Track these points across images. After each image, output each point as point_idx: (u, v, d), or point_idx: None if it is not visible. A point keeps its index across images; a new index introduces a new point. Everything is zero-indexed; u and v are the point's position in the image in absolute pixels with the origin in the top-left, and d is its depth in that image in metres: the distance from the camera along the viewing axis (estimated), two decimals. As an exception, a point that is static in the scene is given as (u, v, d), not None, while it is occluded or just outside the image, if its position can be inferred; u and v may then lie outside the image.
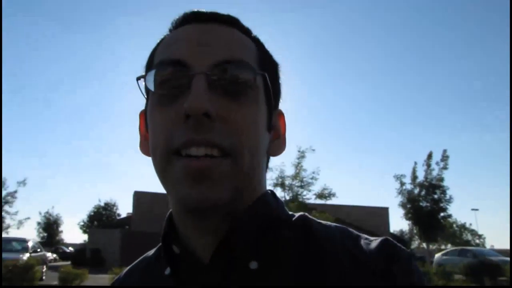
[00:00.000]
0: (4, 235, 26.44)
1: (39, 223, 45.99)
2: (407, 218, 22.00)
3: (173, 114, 0.54)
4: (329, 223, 0.62)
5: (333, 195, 18.47)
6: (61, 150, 76.56)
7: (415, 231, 25.40)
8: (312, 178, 17.69)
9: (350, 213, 32.86)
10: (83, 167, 78.54)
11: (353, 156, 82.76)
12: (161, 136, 0.55)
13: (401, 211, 21.72)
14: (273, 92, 0.62)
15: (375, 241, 0.58)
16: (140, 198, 35.91)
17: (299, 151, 17.34)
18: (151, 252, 0.71)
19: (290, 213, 0.64)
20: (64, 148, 77.48)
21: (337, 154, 77.73)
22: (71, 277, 10.79)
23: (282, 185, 17.00)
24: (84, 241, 42.72)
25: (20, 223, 29.59)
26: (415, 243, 42.56)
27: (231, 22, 0.63)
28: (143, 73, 0.61)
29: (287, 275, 0.54)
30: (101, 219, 40.86)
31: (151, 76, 0.57)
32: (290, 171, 17.49)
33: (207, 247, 0.57)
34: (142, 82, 0.61)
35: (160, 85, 0.57)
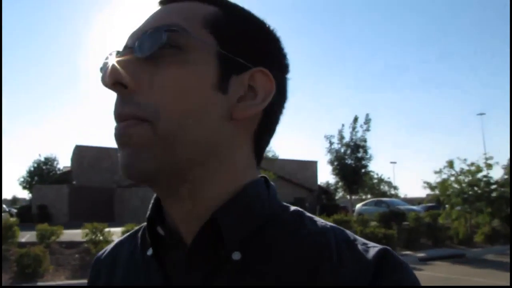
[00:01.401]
0: None
1: None
2: (334, 174, 25.14)
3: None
4: (324, 222, 0.58)
5: (276, 158, 20.86)
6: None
7: (340, 184, 28.87)
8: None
9: (283, 166, 35.04)
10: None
11: (290, 112, 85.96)
12: None
13: (330, 167, 24.77)
14: (240, 51, 0.55)
15: (373, 249, 0.53)
16: (82, 152, 36.36)
17: None
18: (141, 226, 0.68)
19: (284, 204, 0.60)
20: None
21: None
22: (48, 233, 11.63)
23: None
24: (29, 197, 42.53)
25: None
26: (339, 194, 47.06)
27: None
28: None
29: (271, 272, 0.51)
30: (41, 175, 40.65)
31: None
32: None
33: (190, 229, 0.54)
34: None
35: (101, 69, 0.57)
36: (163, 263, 0.57)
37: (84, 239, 11.48)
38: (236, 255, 0.52)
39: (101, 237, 11.54)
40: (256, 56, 0.57)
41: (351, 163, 24.17)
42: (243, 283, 0.51)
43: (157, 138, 0.50)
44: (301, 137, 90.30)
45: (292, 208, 0.60)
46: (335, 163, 24.46)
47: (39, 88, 79.00)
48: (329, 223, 0.58)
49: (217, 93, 0.53)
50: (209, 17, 0.56)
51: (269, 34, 0.61)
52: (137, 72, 0.52)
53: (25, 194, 46.93)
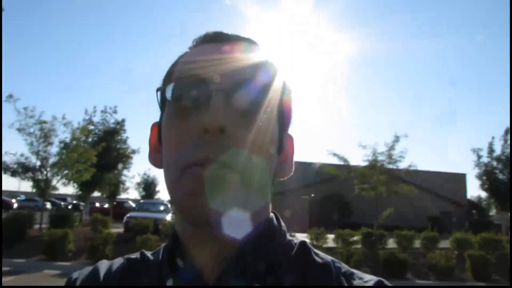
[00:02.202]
0: (124, 196, 31.64)
1: (138, 184, 51.33)
2: (484, 189, 23.82)
3: (189, 128, 0.55)
4: (325, 255, 0.62)
5: (418, 173, 20.90)
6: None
7: (491, 200, 27.08)
8: (400, 157, 20.06)
9: (427, 178, 33.30)
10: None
11: (430, 122, 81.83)
12: (177, 149, 0.56)
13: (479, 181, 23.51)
14: (286, 115, 0.63)
15: (370, 282, 0.57)
16: None
17: (395, 136, 19.63)
18: (135, 255, 0.70)
19: (289, 238, 0.64)
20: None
21: (413, 120, 77.40)
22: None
23: (375, 162, 19.50)
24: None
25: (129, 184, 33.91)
26: (492, 211, 43.40)
27: (251, 44, 0.64)
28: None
29: None
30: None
31: (170, 88, 0.58)
32: (381, 149, 19.89)
33: (211, 265, 0.57)
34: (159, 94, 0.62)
35: (178, 99, 0.57)
36: None
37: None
38: None
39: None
40: (290, 121, 0.65)
41: (503, 178, 22.73)
42: None
43: (247, 188, 0.54)
44: (447, 149, 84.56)
45: (297, 240, 0.64)
46: (484, 178, 23.24)
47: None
48: (330, 257, 0.62)
49: (275, 153, 0.60)
50: (273, 77, 0.60)
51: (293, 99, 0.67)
52: (235, 120, 0.54)
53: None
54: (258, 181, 0.56)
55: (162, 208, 18.99)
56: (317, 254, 0.61)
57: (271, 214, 0.64)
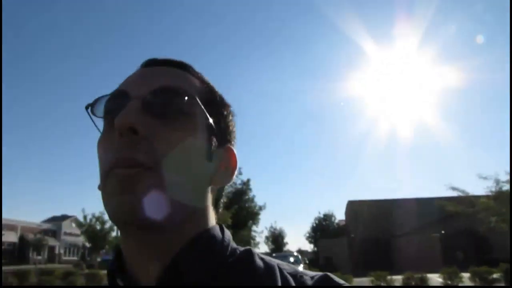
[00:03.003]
0: (256, 250, 33.30)
1: (267, 237, 52.98)
2: None
3: (112, 136, 0.57)
4: (271, 259, 0.63)
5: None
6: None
7: None
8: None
9: None
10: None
11: None
12: (102, 158, 0.58)
13: None
14: (220, 128, 0.65)
15: (316, 277, 0.59)
16: (354, 206, 39.73)
17: None
18: None
19: (235, 246, 0.63)
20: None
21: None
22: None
23: (500, 192, 18.69)
24: (312, 249, 49.24)
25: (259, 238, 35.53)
26: None
27: (182, 66, 0.67)
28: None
29: None
30: (322, 229, 46.55)
31: (99, 105, 0.61)
32: (504, 177, 19.06)
33: (152, 277, 0.56)
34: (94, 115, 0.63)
35: (104, 114, 0.60)
36: None
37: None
38: None
39: (383, 284, 13.49)
40: (229, 135, 0.68)
41: None
42: None
43: (160, 187, 0.54)
44: None
45: (242, 248, 0.63)
46: None
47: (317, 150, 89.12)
48: (277, 260, 0.62)
49: (205, 160, 0.61)
50: (202, 91, 0.64)
51: (233, 115, 0.71)
52: (149, 122, 0.56)
53: (309, 247, 53.97)
54: (180, 183, 0.56)
55: (292, 259, 19.87)
56: (262, 259, 0.61)
57: (213, 224, 0.63)
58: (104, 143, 0.59)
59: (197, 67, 0.69)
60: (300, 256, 20.43)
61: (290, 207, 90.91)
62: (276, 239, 52.60)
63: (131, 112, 0.55)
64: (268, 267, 0.60)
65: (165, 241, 0.57)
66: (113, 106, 0.59)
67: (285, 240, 54.66)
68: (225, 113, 0.68)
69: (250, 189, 22.71)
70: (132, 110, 0.55)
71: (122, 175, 0.54)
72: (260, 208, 23.86)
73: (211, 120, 0.63)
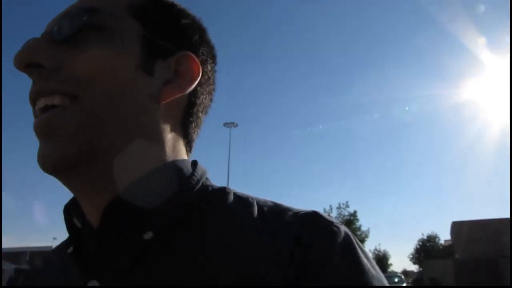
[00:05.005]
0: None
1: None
2: None
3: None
4: (250, 196, 0.54)
5: None
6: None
7: None
8: None
9: None
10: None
11: None
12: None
13: None
14: (165, 35, 0.55)
15: (302, 213, 0.50)
16: (458, 227, 38.82)
17: None
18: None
19: (208, 184, 0.56)
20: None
21: None
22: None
23: None
24: (418, 269, 48.61)
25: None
26: None
27: None
28: None
29: (184, 248, 0.47)
30: (426, 250, 46.44)
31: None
32: None
33: (96, 218, 0.50)
34: None
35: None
36: (84, 259, 0.51)
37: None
38: (148, 235, 0.48)
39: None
40: (182, 41, 0.57)
41: None
42: (156, 263, 0.47)
43: (86, 119, 0.48)
44: None
45: (219, 186, 0.56)
46: None
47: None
48: (256, 197, 0.54)
49: (142, 74, 0.52)
50: (134, 2, 0.56)
51: (194, 22, 0.60)
52: (57, 53, 0.49)
53: (414, 267, 53.58)
54: (108, 105, 0.49)
55: (396, 280, 20.92)
56: (239, 197, 0.54)
57: (179, 158, 0.55)
58: None
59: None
60: (403, 277, 21.44)
61: (394, 228, 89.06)
62: (381, 261, 53.08)
63: (29, 47, 0.49)
64: (244, 203, 0.53)
65: (109, 183, 0.50)
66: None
67: (390, 261, 54.93)
68: (175, 20, 0.58)
69: (357, 219, 25.27)
70: (30, 44, 0.49)
71: (38, 124, 0.49)
72: (366, 235, 26.22)
73: (143, 31, 0.54)
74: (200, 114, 0.61)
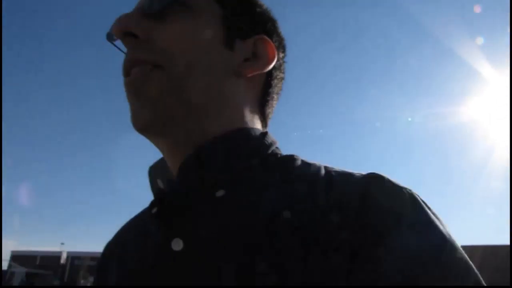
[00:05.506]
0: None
1: None
2: None
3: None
4: (320, 163, 0.55)
5: None
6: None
7: None
8: None
9: None
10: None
11: None
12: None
13: None
14: (242, 17, 0.60)
15: (366, 174, 0.50)
16: (466, 252, 37.77)
17: None
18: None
19: (278, 152, 0.58)
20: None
21: None
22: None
23: None
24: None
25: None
26: None
27: None
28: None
29: (253, 205, 0.49)
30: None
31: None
32: None
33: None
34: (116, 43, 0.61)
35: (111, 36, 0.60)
36: (168, 218, 0.52)
37: None
38: (220, 193, 0.50)
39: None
40: (258, 26, 0.61)
41: None
42: (225, 219, 0.49)
43: (171, 85, 0.51)
44: None
45: (287, 153, 0.58)
46: None
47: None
48: (328, 165, 0.54)
49: (225, 48, 0.56)
50: None
51: (268, 12, 0.65)
52: (148, 25, 0.54)
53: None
54: (190, 74, 0.53)
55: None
56: (305, 163, 0.55)
57: (251, 126, 0.58)
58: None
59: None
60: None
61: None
62: None
63: (126, 17, 0.54)
64: (311, 167, 0.53)
65: (191, 143, 0.53)
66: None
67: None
68: (252, 7, 0.63)
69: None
70: (127, 16, 0.54)
71: (128, 82, 0.53)
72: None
73: (223, 11, 0.59)
74: (275, 96, 0.65)
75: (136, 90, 0.52)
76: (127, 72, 0.54)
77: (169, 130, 0.53)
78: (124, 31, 0.53)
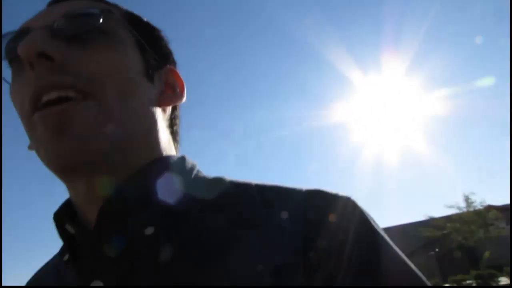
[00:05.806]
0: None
1: None
2: None
3: (23, 75, 0.48)
4: (251, 182, 0.53)
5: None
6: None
7: None
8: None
9: None
10: None
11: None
12: (18, 105, 0.49)
13: None
14: (154, 47, 0.58)
15: (304, 191, 0.50)
16: None
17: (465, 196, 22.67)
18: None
19: (203, 175, 0.57)
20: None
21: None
22: None
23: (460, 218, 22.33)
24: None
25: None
26: None
27: None
28: None
29: (185, 240, 0.46)
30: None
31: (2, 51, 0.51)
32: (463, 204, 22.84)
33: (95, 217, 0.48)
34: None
35: (7, 56, 0.52)
36: (81, 263, 0.48)
37: None
38: (149, 230, 0.47)
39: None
40: (165, 57, 0.62)
41: None
42: (159, 257, 0.46)
43: (104, 117, 0.47)
44: None
45: (213, 176, 0.56)
46: None
47: None
48: (256, 182, 0.53)
49: (146, 80, 0.55)
50: (123, 13, 0.57)
51: (168, 43, 0.64)
52: (65, 48, 0.48)
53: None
54: (121, 105, 0.49)
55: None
56: (234, 183, 0.54)
57: (171, 153, 0.57)
58: (16, 87, 0.49)
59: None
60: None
61: None
62: None
63: (37, 37, 0.46)
64: (243, 190, 0.52)
65: (114, 177, 0.49)
66: (16, 43, 0.48)
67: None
68: (155, 33, 0.61)
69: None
70: (37, 35, 0.47)
71: (48, 115, 0.45)
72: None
73: (140, 38, 0.56)
74: (179, 113, 0.66)
75: (62, 124, 0.45)
76: (38, 100, 0.46)
77: (98, 168, 0.48)
78: (38, 51, 0.46)
